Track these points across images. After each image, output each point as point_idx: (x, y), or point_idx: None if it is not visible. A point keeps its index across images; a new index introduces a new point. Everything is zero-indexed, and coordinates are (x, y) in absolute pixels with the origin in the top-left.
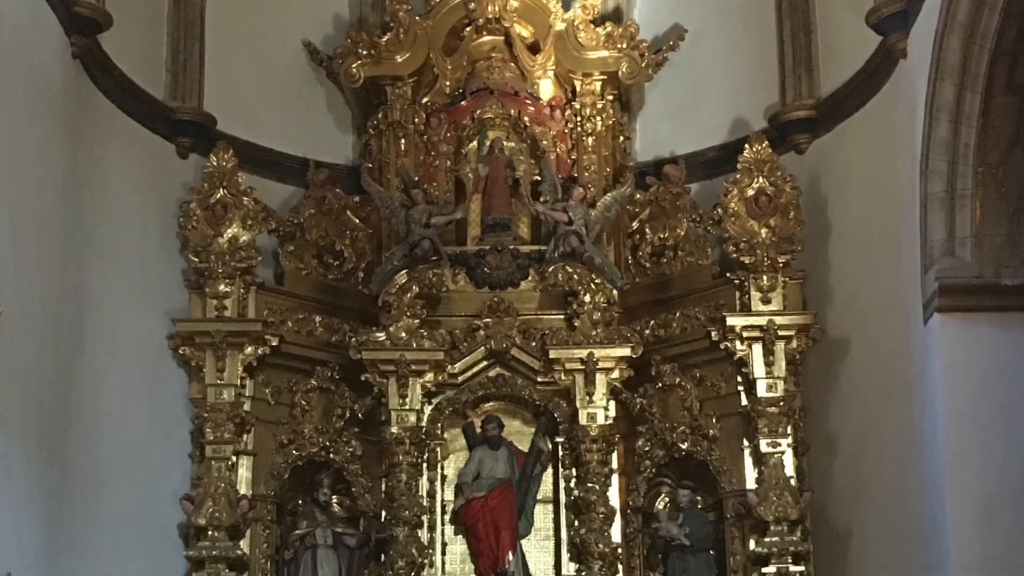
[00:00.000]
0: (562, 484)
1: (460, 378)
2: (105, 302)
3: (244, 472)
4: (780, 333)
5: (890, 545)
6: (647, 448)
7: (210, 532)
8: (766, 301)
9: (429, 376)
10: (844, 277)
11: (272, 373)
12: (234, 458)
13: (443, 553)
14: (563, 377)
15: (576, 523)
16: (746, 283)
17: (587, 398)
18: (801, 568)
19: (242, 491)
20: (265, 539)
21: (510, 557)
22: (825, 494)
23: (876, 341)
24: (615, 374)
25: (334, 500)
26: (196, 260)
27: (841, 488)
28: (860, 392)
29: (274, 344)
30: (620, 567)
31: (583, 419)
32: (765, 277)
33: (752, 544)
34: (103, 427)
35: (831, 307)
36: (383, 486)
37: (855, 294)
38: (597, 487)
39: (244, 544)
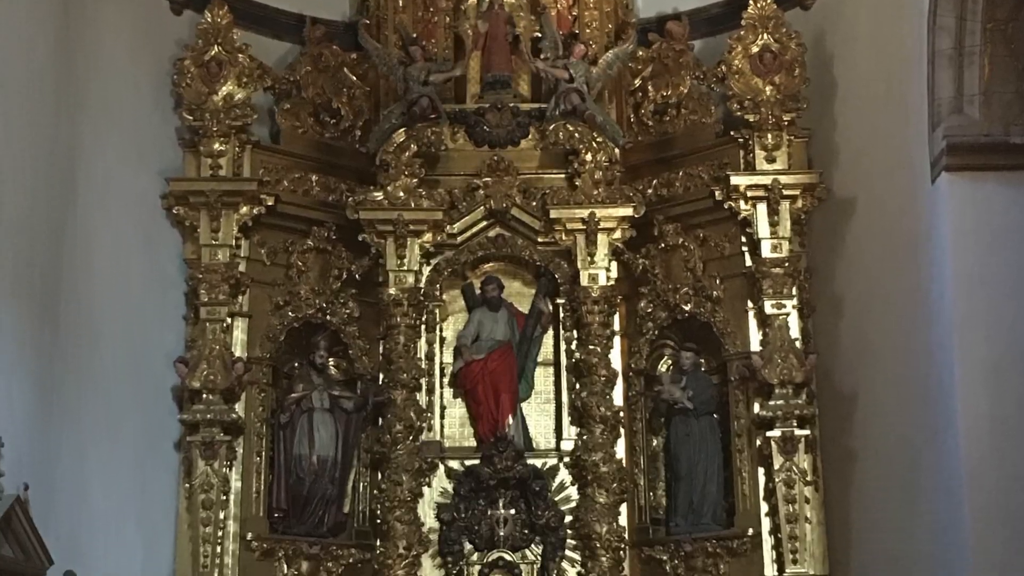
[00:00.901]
0: (563, 346)
1: (459, 238)
2: (98, 160)
3: (239, 334)
4: (785, 192)
5: (897, 407)
6: (649, 310)
7: (204, 395)
8: (770, 160)
9: (428, 236)
10: (850, 135)
11: (268, 233)
12: (229, 320)
13: (442, 417)
14: (564, 237)
15: (577, 386)
16: (750, 141)
17: (588, 258)
18: (806, 432)
19: (237, 353)
20: (260, 402)
21: (510, 420)
22: (831, 356)
23: (883, 200)
24: (617, 234)
25: (331, 363)
26: (190, 118)
27: (847, 350)
28: (866, 252)
29: (270, 204)
30: (622, 431)
31: (584, 280)
32: (769, 135)
33: (756, 407)
34: (95, 287)
35: (837, 166)
36: (381, 348)
37: (861, 153)
38: (598, 349)
39: (239, 407)
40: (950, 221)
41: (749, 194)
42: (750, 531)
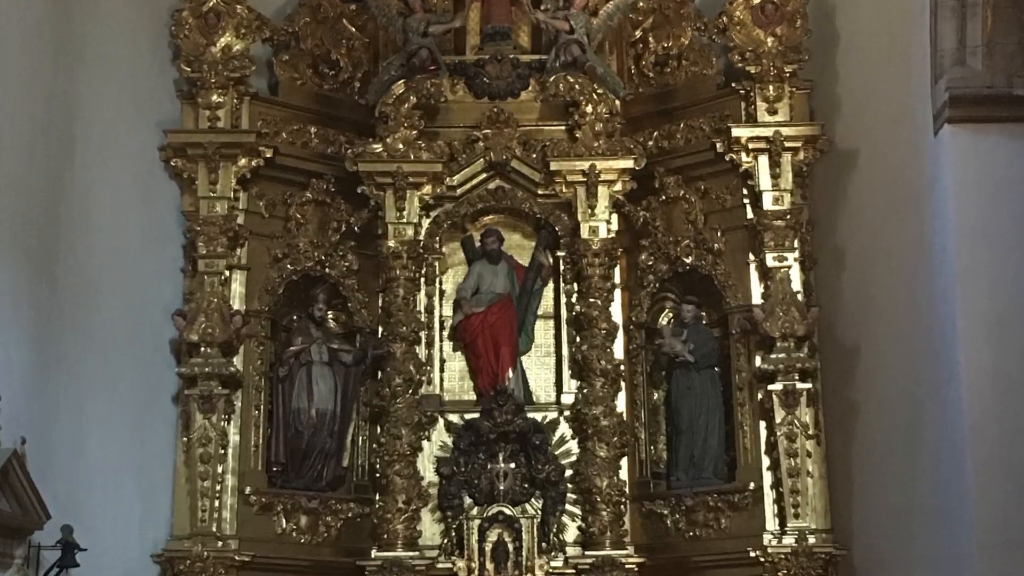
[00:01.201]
0: (563, 299)
1: (459, 190)
2: (95, 113)
3: (237, 287)
4: (786, 144)
5: (899, 361)
6: (650, 262)
7: (203, 348)
8: (772, 112)
9: (427, 188)
10: (852, 87)
11: (266, 185)
12: (227, 272)
13: (441, 370)
14: (564, 189)
15: (578, 339)
16: (752, 93)
17: (589, 211)
18: (808, 385)
19: (235, 306)
20: (259, 355)
21: (510, 374)
22: (833, 309)
23: (885, 153)
24: (617, 186)
25: (330, 316)
26: (188, 70)
27: (849, 303)
28: (869, 205)
29: (268, 156)
30: (622, 384)
31: (585, 232)
32: (771, 87)
33: (758, 361)
34: (93, 240)
35: (839, 118)
36: (380, 301)
37: (863, 105)
38: (599, 302)
39: (237, 360)
40: (952, 173)
41: (750, 146)
42: (751, 485)
